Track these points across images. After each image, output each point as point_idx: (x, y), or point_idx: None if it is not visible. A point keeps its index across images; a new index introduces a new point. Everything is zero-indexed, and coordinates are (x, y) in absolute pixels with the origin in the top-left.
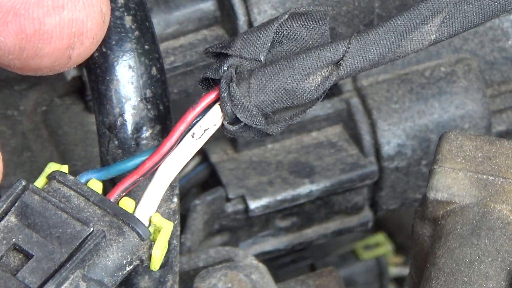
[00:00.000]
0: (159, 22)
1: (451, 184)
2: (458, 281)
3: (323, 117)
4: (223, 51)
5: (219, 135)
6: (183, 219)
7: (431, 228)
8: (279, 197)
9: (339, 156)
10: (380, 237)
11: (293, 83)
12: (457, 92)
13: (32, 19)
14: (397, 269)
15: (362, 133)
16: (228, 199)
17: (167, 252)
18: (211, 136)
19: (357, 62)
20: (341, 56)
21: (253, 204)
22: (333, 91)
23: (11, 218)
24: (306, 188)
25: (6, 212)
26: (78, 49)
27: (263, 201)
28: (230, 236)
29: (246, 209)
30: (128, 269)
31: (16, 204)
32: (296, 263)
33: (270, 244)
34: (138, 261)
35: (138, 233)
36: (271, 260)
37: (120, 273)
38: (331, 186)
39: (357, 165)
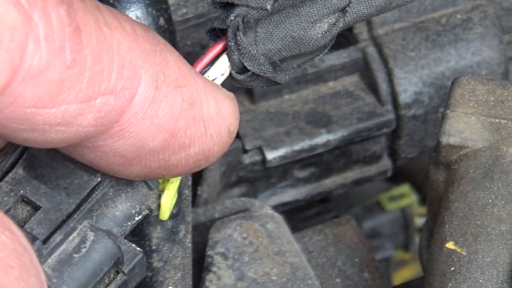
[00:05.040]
0: None
1: (463, 128)
2: (471, 224)
3: (340, 66)
4: (229, 0)
5: (236, 88)
6: (200, 172)
7: (444, 173)
8: (297, 147)
9: (356, 105)
10: (404, 188)
11: (299, 30)
12: (473, 39)
13: (157, 160)
14: (423, 219)
15: (379, 81)
16: (245, 150)
17: (178, 202)
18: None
19: (363, 8)
20: (347, 2)
21: (271, 155)
22: (349, 40)
23: (19, 170)
24: (324, 138)
25: (13, 164)
26: (202, 166)
27: (281, 152)
28: (248, 188)
29: (264, 160)
30: (137, 218)
31: (23, 156)
32: (321, 216)
33: (289, 194)
34: (147, 211)
35: (146, 183)
36: (295, 212)
37: (129, 222)
38: (348, 135)
39: (374, 113)
